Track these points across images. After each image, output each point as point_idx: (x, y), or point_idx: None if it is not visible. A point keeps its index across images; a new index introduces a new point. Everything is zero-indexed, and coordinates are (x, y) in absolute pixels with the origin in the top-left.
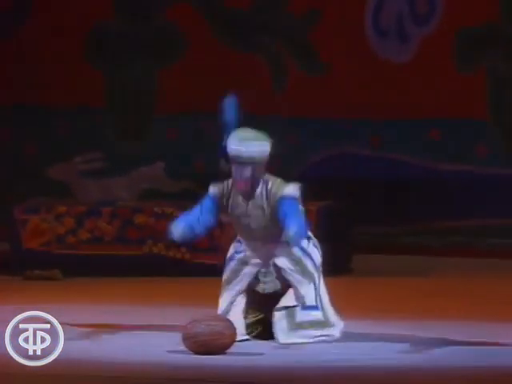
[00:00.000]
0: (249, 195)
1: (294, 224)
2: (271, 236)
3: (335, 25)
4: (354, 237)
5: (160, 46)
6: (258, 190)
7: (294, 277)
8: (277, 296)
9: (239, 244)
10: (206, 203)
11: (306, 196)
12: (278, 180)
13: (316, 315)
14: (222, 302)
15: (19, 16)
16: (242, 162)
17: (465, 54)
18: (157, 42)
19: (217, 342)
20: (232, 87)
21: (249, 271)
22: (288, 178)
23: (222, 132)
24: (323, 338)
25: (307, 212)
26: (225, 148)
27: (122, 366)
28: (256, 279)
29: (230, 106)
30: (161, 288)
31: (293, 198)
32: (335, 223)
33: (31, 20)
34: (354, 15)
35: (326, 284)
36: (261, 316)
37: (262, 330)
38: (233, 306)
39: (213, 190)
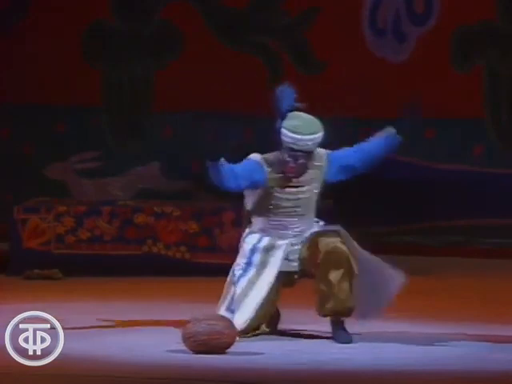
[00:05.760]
0: (299, 175)
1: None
2: (309, 211)
3: (332, 23)
4: (353, 237)
5: (158, 44)
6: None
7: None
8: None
9: (257, 234)
10: (252, 165)
11: None
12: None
13: None
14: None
15: (16, 15)
16: (297, 150)
17: (462, 53)
18: (155, 41)
19: (217, 342)
20: (229, 86)
21: (278, 255)
22: None
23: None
24: None
25: None
26: (278, 130)
27: (122, 365)
28: (285, 260)
29: (286, 93)
30: (161, 288)
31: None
32: (334, 223)
33: (29, 19)
34: (350, 14)
35: None
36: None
37: (266, 324)
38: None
39: (261, 158)
